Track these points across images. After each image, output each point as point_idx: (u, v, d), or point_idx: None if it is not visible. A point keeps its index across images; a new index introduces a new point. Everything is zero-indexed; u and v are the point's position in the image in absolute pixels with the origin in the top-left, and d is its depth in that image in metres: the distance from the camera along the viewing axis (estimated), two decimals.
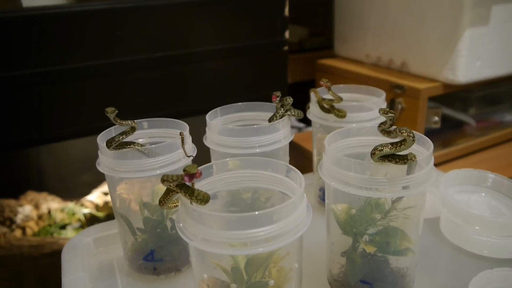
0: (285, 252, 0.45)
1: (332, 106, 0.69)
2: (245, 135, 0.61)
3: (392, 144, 0.47)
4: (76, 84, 0.96)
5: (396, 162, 0.48)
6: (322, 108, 0.70)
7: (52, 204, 1.35)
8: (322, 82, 0.68)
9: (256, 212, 0.41)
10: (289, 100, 0.64)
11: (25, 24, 0.88)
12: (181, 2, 1.04)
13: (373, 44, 1.30)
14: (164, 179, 0.42)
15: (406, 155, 0.48)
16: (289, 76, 1.31)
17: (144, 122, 0.63)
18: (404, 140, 0.47)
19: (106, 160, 0.56)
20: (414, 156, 0.48)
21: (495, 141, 1.34)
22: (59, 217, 1.32)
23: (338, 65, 1.35)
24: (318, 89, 0.71)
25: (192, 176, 0.41)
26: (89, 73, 0.98)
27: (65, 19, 0.92)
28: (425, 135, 1.17)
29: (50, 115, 0.94)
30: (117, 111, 0.54)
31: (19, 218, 1.28)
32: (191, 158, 0.59)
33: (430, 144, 0.52)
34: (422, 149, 0.53)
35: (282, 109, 0.64)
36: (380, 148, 0.47)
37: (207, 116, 0.65)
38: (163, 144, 0.55)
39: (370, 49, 1.31)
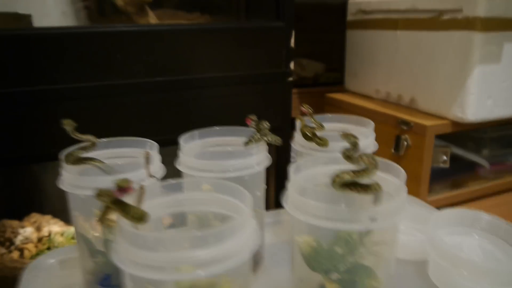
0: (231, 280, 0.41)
1: (314, 134, 0.65)
2: (215, 158, 0.58)
3: (353, 171, 0.43)
4: (78, 103, 0.96)
5: (358, 191, 0.43)
6: (305, 136, 0.66)
7: (54, 227, 1.33)
8: (303, 108, 0.64)
9: (191, 233, 0.37)
10: (265, 124, 0.61)
11: (27, 43, 0.89)
12: (184, 28, 1.04)
13: (382, 80, 1.27)
14: (99, 193, 0.39)
15: (369, 185, 0.44)
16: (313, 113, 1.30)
17: (112, 141, 0.61)
18: (367, 167, 0.42)
19: (66, 177, 0.54)
20: (379, 186, 0.44)
21: (510, 185, 1.26)
22: (58, 240, 1.29)
23: (347, 99, 1.32)
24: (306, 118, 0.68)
25: (123, 191, 0.37)
26: (92, 94, 0.97)
27: (66, 40, 0.93)
28: (432, 174, 1.11)
29: (49, 133, 0.93)
30: (75, 125, 0.51)
31: (18, 240, 1.26)
32: (155, 179, 0.56)
33: (403, 174, 0.48)
34: (395, 179, 0.49)
35: (258, 133, 0.61)
36: (340, 175, 0.43)
37: (181, 139, 0.63)
38: (125, 163, 0.52)
39: (379, 84, 1.28)
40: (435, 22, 1.10)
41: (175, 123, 1.04)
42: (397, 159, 1.14)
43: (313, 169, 0.55)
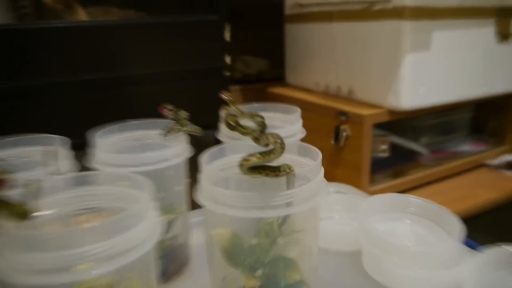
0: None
1: (237, 123, 0.62)
2: (129, 152, 0.55)
3: (260, 153, 0.40)
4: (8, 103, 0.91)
5: (267, 175, 0.41)
6: (228, 125, 0.63)
7: None
8: (223, 96, 0.61)
9: (76, 227, 0.33)
10: (183, 114, 0.57)
11: None
12: (116, 23, 0.99)
13: (321, 72, 1.26)
14: None
15: (279, 166, 0.41)
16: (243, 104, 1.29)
17: (21, 139, 0.56)
18: (273, 148, 0.40)
19: None
20: (289, 167, 0.41)
21: (449, 172, 1.27)
22: None
23: (287, 93, 1.30)
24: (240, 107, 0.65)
25: None
26: (16, 93, 0.92)
27: None
28: (372, 164, 1.10)
29: None
30: None
31: None
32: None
33: (317, 154, 0.46)
34: (310, 161, 0.47)
35: (176, 123, 0.58)
36: (247, 158, 0.40)
37: (97, 135, 0.59)
38: (16, 161, 0.48)
39: (319, 76, 1.27)
40: (367, 12, 1.10)
41: (110, 121, 1.00)
42: (338, 150, 1.13)
43: (227, 157, 0.52)
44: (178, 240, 0.62)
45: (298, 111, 0.68)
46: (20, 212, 0.35)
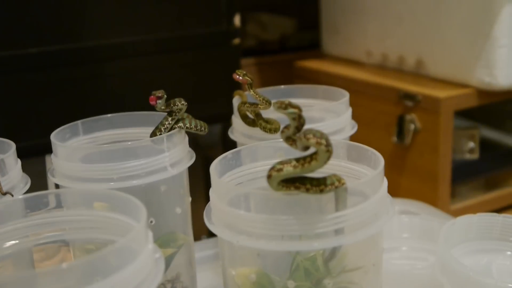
0: None
1: (258, 115, 0.64)
2: (105, 160, 0.57)
3: (297, 159, 0.42)
4: None
5: (308, 190, 0.42)
6: (244, 118, 0.66)
7: None
8: (237, 76, 0.63)
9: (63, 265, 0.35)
10: (180, 104, 0.59)
11: None
12: None
13: (376, 36, 1.28)
14: None
15: (324, 179, 0.42)
16: (261, 86, 1.29)
17: None
18: (316, 152, 0.41)
19: None
20: (339, 179, 0.43)
21: None
22: None
23: (324, 67, 1.32)
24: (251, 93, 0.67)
25: None
26: None
27: None
28: (454, 170, 1.12)
29: None
30: None
31: None
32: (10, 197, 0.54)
33: (377, 158, 0.47)
34: (365, 168, 0.50)
35: (169, 118, 0.60)
36: (278, 168, 0.42)
37: (53, 136, 0.61)
38: None
39: (372, 43, 1.29)
40: None
41: (63, 116, 1.01)
42: (402, 151, 1.15)
43: (251, 165, 0.54)
44: (181, 283, 0.63)
45: (345, 96, 0.69)
46: None
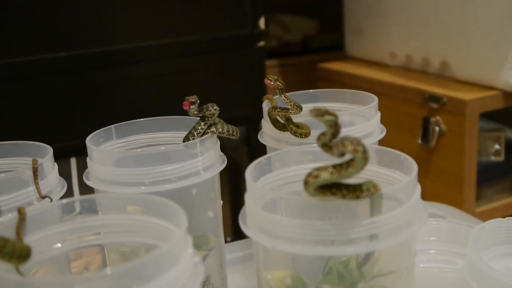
0: None
1: (289, 120, 0.65)
2: (141, 165, 0.58)
3: (334, 166, 0.43)
4: None
5: (344, 196, 0.43)
6: (274, 123, 0.67)
7: None
8: (268, 81, 0.64)
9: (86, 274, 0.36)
10: (212, 109, 0.60)
11: None
12: None
13: (400, 37, 1.28)
14: None
15: (360, 185, 0.43)
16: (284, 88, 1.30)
17: None
18: (352, 159, 0.42)
19: None
20: (374, 186, 0.44)
21: None
22: None
23: (348, 69, 1.32)
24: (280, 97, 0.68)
25: None
26: None
27: None
28: (480, 172, 1.11)
29: None
30: None
31: None
32: (48, 199, 0.56)
33: (410, 164, 0.48)
34: (397, 173, 0.51)
35: (202, 123, 0.61)
36: (315, 174, 0.43)
37: (88, 140, 0.62)
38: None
39: (396, 44, 1.29)
40: None
41: (90, 119, 1.03)
42: (427, 153, 1.15)
43: (283, 170, 0.55)
44: (212, 285, 0.64)
45: (374, 100, 0.70)
46: (16, 252, 0.39)
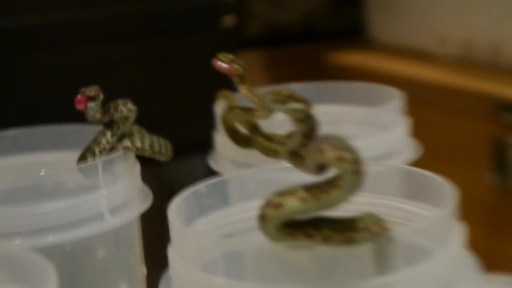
0: None
1: (255, 129, 0.65)
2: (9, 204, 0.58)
3: (307, 187, 0.41)
4: None
5: (326, 240, 0.41)
6: (233, 135, 0.66)
7: None
8: (219, 63, 0.65)
9: None
10: (125, 109, 0.60)
11: None
12: None
13: (453, 14, 1.30)
14: None
15: (354, 220, 0.42)
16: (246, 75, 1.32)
17: None
18: (337, 175, 0.40)
19: None
20: (379, 221, 0.42)
21: None
22: None
23: (372, 62, 1.34)
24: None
25: None
26: None
27: None
28: None
29: None
30: None
31: None
32: None
33: (449, 192, 0.47)
34: (431, 210, 0.49)
35: (108, 133, 0.60)
36: (277, 202, 0.41)
37: None
38: None
39: (447, 24, 1.31)
40: None
41: None
42: (503, 194, 1.14)
43: (238, 207, 0.54)
44: None
45: (395, 97, 0.71)
46: None
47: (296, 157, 0.44)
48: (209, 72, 1.14)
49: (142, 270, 0.65)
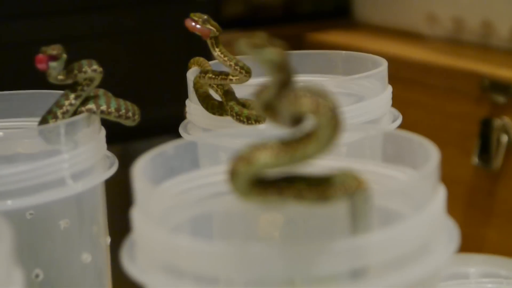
0: None
1: (228, 94, 0.64)
2: None
3: (282, 141, 0.40)
4: None
5: (300, 197, 0.41)
6: (204, 100, 0.67)
7: None
8: (192, 23, 0.65)
9: None
10: (90, 70, 0.60)
11: None
12: None
13: None
14: None
15: (330, 177, 0.41)
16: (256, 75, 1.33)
17: None
18: (314, 127, 0.40)
19: None
20: (355, 179, 0.42)
21: None
22: None
23: (358, 43, 1.33)
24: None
25: None
26: None
27: None
28: None
29: None
30: None
31: None
32: None
33: (431, 151, 0.47)
34: (410, 173, 0.49)
35: (71, 95, 0.59)
36: (248, 156, 0.40)
37: None
38: None
39: (434, 2, 1.31)
40: None
41: None
42: (487, 178, 1.14)
43: (207, 169, 0.53)
44: None
45: (382, 64, 0.71)
46: None
47: (271, 110, 0.43)
48: (184, 46, 1.16)
49: (106, 240, 0.65)
